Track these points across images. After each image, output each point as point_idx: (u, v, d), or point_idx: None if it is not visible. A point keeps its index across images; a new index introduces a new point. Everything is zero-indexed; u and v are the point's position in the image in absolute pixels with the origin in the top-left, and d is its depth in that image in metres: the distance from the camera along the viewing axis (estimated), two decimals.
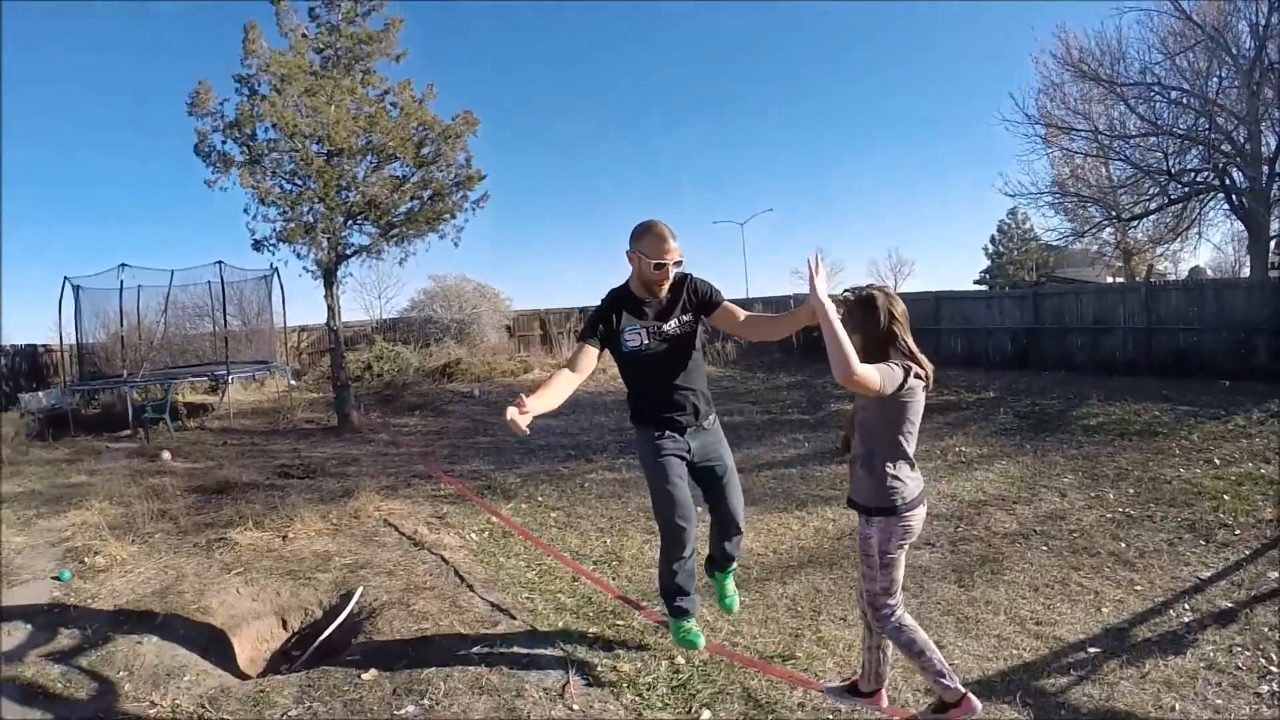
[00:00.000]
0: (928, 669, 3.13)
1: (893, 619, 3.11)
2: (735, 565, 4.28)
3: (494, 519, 6.89)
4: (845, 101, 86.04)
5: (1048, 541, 5.99)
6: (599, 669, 3.98)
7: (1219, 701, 3.70)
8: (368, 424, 13.47)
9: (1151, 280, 21.93)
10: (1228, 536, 5.91)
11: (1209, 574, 5.25)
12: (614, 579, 5.46)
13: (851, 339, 2.87)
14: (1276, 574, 5.17)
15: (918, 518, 3.06)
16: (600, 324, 3.61)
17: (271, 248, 12.68)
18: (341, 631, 4.61)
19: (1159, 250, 24.81)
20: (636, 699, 3.73)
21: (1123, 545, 5.84)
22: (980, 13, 70.94)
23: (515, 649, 4.08)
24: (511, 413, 3.07)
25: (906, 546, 3.10)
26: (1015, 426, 10.41)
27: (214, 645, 4.48)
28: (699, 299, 3.68)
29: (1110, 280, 29.55)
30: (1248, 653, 4.14)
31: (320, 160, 12.10)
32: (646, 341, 3.58)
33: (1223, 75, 16.77)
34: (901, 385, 2.89)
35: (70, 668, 4.13)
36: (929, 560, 5.67)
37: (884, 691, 3.37)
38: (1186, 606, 4.76)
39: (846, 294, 3.09)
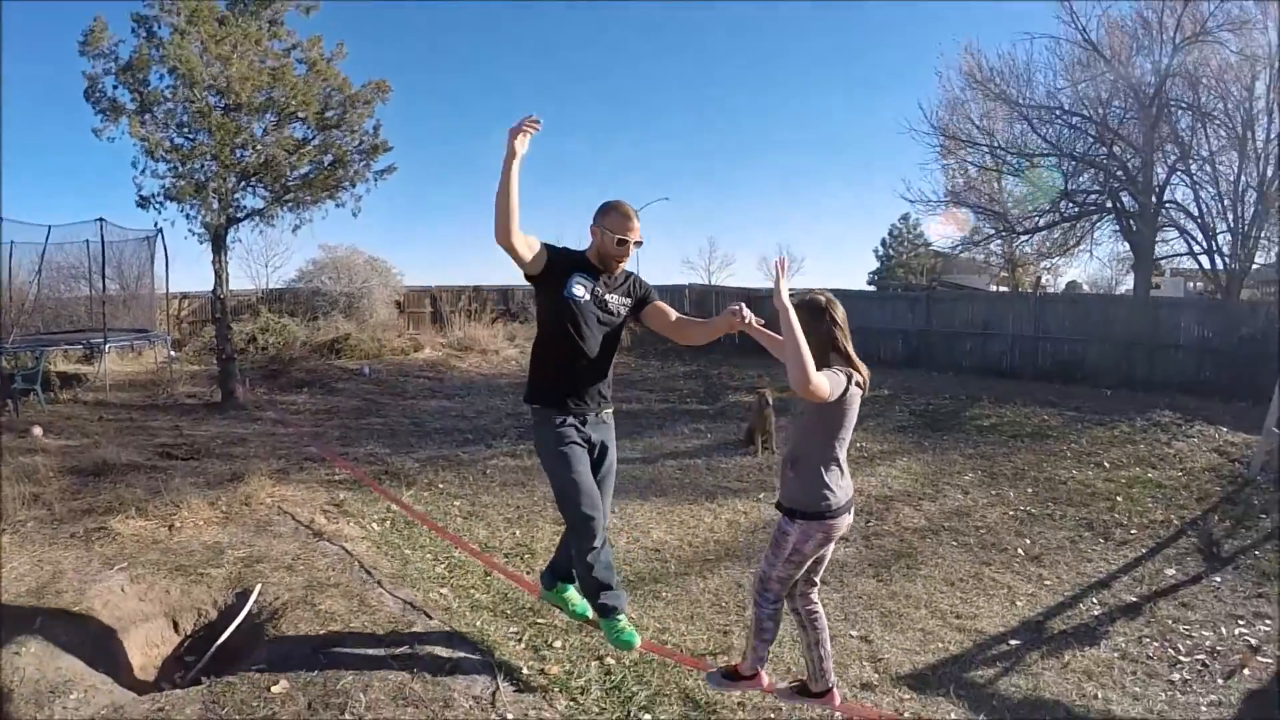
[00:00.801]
0: (756, 651, 3.30)
1: (773, 605, 3.19)
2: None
3: (394, 507, 6.55)
4: (745, 94, 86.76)
5: (957, 537, 6.22)
6: (526, 673, 3.78)
7: (1137, 689, 3.93)
8: (253, 400, 12.69)
9: (1040, 291, 22.90)
10: (1124, 535, 6.30)
11: (1111, 570, 5.58)
12: (529, 573, 5.25)
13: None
14: (1173, 571, 5.56)
15: (843, 524, 3.07)
16: (557, 254, 3.56)
17: (158, 206, 11.77)
18: (240, 634, 4.21)
19: (1043, 263, 25.84)
20: (571, 704, 3.55)
21: (1028, 542, 6.12)
22: (892, 20, 72.98)
23: (435, 652, 3.79)
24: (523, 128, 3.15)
25: (822, 552, 3.14)
26: (912, 424, 10.70)
27: (101, 652, 3.98)
28: (640, 293, 3.73)
29: (995, 288, 30.67)
30: (1156, 643, 4.44)
31: (218, 114, 11.30)
32: (588, 298, 3.53)
33: (1122, 105, 17.54)
34: (845, 391, 2.91)
35: None
36: (845, 555, 5.77)
37: (835, 691, 3.38)
38: (1095, 600, 5.07)
39: (790, 299, 2.98)
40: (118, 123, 11.26)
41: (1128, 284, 35.70)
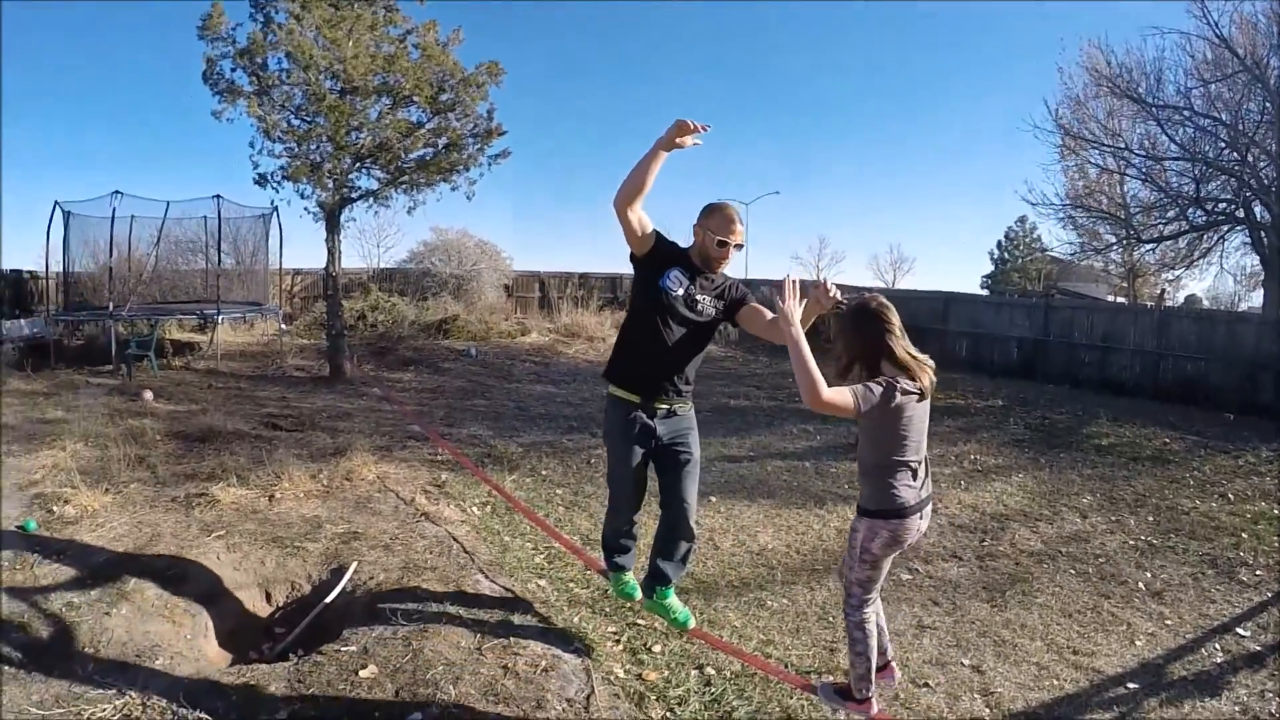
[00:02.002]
0: (857, 667, 3.18)
1: (861, 612, 3.14)
2: (675, 584, 4.04)
3: (496, 492, 6.49)
4: (859, 92, 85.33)
5: (1074, 565, 5.84)
6: (623, 676, 3.63)
7: None
8: (361, 376, 12.94)
9: (1164, 305, 21.80)
10: (1249, 576, 5.84)
11: (1235, 613, 5.18)
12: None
13: (841, 348, 3.03)
14: None
15: (911, 528, 3.02)
16: (661, 244, 3.65)
17: (275, 185, 12.12)
18: (332, 612, 4.18)
19: (1165, 275, 24.63)
20: (668, 715, 3.39)
21: (1148, 575, 5.72)
22: (1006, 16, 70.64)
23: (531, 647, 3.66)
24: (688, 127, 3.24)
25: (894, 554, 3.11)
26: (1027, 439, 10.18)
27: (192, 618, 4.02)
28: (736, 296, 3.76)
29: (1112, 298, 29.38)
30: (1278, 700, 4.07)
31: (333, 96, 11.50)
32: (681, 294, 3.59)
33: (1257, 109, 16.49)
34: (884, 403, 2.84)
35: (29, 638, 3.65)
36: (958, 574, 5.51)
37: (873, 699, 3.29)
38: (1217, 646, 4.71)
39: (842, 303, 3.05)
40: (235, 104, 11.59)
41: (1250, 301, 33.96)
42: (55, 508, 5.37)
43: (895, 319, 2.97)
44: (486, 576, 4.54)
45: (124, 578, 4.20)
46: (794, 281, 3.00)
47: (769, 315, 3.61)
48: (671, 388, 3.65)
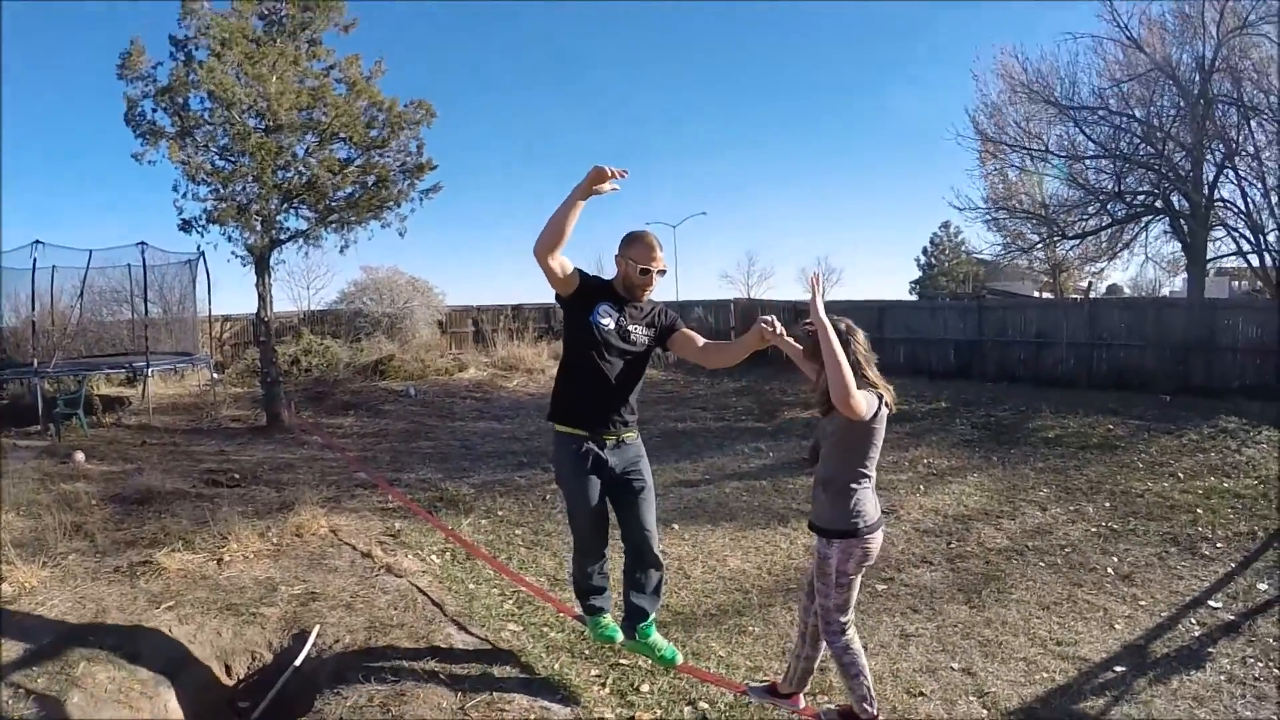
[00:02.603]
0: (855, 690, 3.21)
1: (843, 637, 3.19)
2: (654, 616, 3.95)
3: (455, 541, 6.27)
4: (779, 108, 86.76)
5: (1043, 557, 5.96)
6: None
7: (1248, 714, 3.78)
8: (299, 424, 12.51)
9: (1092, 297, 22.44)
10: (1211, 550, 6.05)
11: (1204, 587, 5.37)
12: None
13: (812, 366, 3.16)
14: (1265, 585, 5.34)
15: (876, 541, 3.14)
16: (587, 280, 3.64)
17: (201, 229, 11.67)
18: (298, 681, 3.94)
19: (1088, 268, 25.35)
20: None
21: (1115, 560, 5.87)
22: (929, 21, 72.53)
23: (515, 701, 3.49)
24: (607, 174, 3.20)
25: (864, 569, 3.20)
26: (976, 438, 10.35)
27: (148, 699, 3.73)
28: (665, 323, 3.79)
29: (1039, 294, 30.14)
30: (1260, 664, 4.25)
31: (258, 135, 11.17)
32: (613, 327, 3.60)
33: (1170, 103, 17.17)
34: (876, 411, 3.02)
35: None
36: (931, 580, 5.54)
37: (800, 695, 3.50)
38: (1193, 620, 4.83)
39: (808, 325, 3.10)
40: (157, 146, 11.18)
41: (1172, 286, 35.18)
42: None
43: (863, 339, 3.13)
44: (457, 629, 4.35)
45: (72, 661, 3.88)
46: (816, 277, 3.12)
47: (700, 341, 3.74)
48: (618, 418, 3.66)
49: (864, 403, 2.91)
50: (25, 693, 3.63)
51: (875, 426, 3.05)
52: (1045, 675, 4.14)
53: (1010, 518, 6.92)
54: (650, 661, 4.00)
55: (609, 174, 3.23)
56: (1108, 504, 7.24)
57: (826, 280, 59.65)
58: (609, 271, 3.80)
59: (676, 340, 3.77)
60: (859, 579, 3.19)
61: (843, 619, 3.17)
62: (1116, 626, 4.72)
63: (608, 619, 3.98)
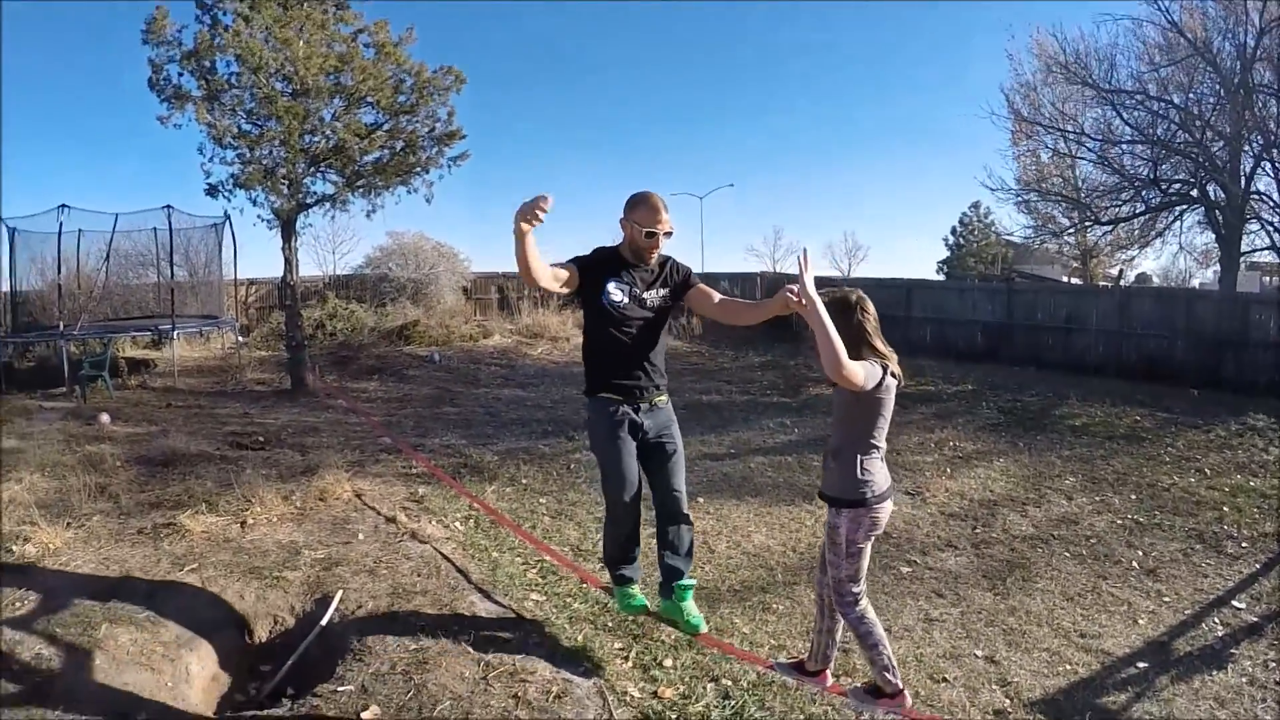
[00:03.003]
0: (876, 661, 3.22)
1: (857, 607, 3.21)
2: (690, 580, 3.96)
3: (480, 507, 6.26)
4: (809, 82, 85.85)
5: (1069, 547, 5.89)
6: (638, 695, 3.47)
7: (1268, 718, 3.75)
8: (324, 388, 12.57)
9: (1125, 284, 22.15)
10: (1236, 548, 5.96)
11: (1228, 586, 5.30)
12: None
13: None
14: None
15: (885, 510, 3.17)
16: (591, 263, 3.68)
17: (227, 193, 11.72)
18: (320, 646, 3.93)
19: (1119, 255, 25.00)
20: None
21: (1140, 554, 5.79)
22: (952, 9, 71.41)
23: (539, 671, 3.46)
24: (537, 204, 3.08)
25: (873, 539, 3.22)
26: (1002, 422, 10.21)
27: (171, 661, 3.74)
28: (679, 279, 3.83)
29: (1067, 279, 29.73)
30: None
31: (285, 99, 11.15)
32: (626, 300, 3.65)
33: (1210, 91, 16.77)
34: (880, 381, 3.03)
35: None
36: (956, 564, 5.50)
37: (828, 671, 3.49)
38: (1216, 620, 4.77)
39: (821, 296, 3.06)
40: (183, 110, 11.16)
41: (1202, 278, 34.68)
42: (14, 547, 4.99)
43: (872, 310, 3.14)
44: (481, 597, 4.33)
45: (94, 623, 3.89)
46: (805, 253, 3.08)
47: (717, 297, 3.81)
48: (649, 382, 3.72)
49: (861, 372, 2.93)
50: (47, 654, 3.65)
51: (881, 397, 3.07)
52: (1068, 667, 4.11)
53: (1036, 505, 6.84)
54: (674, 636, 4.00)
55: (534, 212, 3.09)
56: (1134, 496, 7.14)
57: (854, 257, 59.44)
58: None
59: (693, 296, 3.82)
60: (869, 547, 3.21)
61: (855, 589, 3.19)
62: (1140, 621, 4.67)
63: (636, 589, 4.00)
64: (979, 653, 4.21)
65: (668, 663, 3.83)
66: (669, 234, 3.67)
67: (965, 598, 4.91)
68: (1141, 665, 4.16)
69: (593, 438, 3.83)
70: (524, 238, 3.13)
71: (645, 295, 3.69)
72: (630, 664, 3.81)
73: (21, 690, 3.40)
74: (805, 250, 3.12)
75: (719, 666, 3.76)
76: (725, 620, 4.43)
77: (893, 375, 3.08)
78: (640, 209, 3.63)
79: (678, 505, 3.83)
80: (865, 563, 3.21)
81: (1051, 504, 6.90)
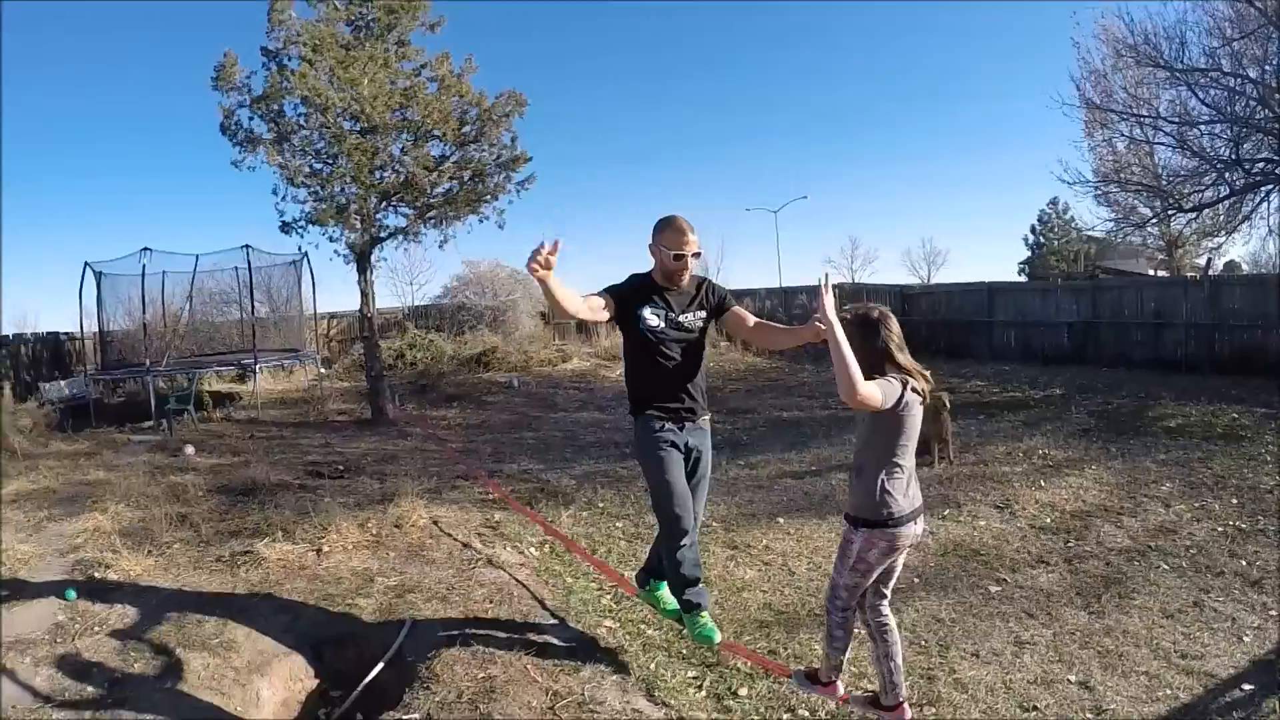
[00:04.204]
0: (831, 657, 3.35)
1: (844, 612, 3.25)
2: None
3: (552, 535, 6.24)
4: (878, 89, 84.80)
5: (1167, 559, 5.55)
6: None
7: None
8: (403, 417, 12.83)
9: (1213, 274, 21.23)
10: None
11: None
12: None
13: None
14: None
15: (907, 534, 3.12)
16: (623, 292, 3.75)
17: (301, 230, 12.06)
18: (390, 673, 3.94)
19: (1205, 243, 24.00)
20: None
21: (1243, 564, 5.43)
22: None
23: (608, 702, 3.40)
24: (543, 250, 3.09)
25: (888, 562, 3.19)
26: (1093, 427, 9.83)
27: (239, 689, 3.81)
28: (715, 301, 3.89)
29: (1153, 272, 28.67)
30: None
31: (354, 136, 11.42)
32: (663, 325, 3.73)
33: None
34: (900, 400, 3.01)
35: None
36: (1048, 581, 5.21)
37: (906, 706, 3.38)
38: None
39: (845, 313, 3.15)
40: (256, 153, 11.53)
41: None
42: (97, 573, 5.19)
43: (895, 327, 3.14)
44: (552, 624, 4.30)
45: (169, 648, 4.02)
46: (826, 276, 3.13)
47: (752, 321, 3.90)
48: (693, 403, 3.81)
49: (879, 393, 2.94)
50: (122, 676, 3.74)
51: (902, 415, 3.05)
52: (1168, 692, 3.84)
53: (1132, 515, 6.50)
54: (750, 665, 3.91)
55: (541, 256, 3.09)
56: (1234, 500, 6.75)
57: (932, 263, 58.25)
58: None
59: (729, 319, 3.90)
60: (879, 571, 3.19)
61: (850, 599, 3.24)
62: (1245, 639, 4.36)
63: (706, 616, 3.95)
64: (1072, 678, 3.97)
65: (742, 692, 3.73)
66: (697, 255, 3.72)
67: (1058, 617, 4.66)
68: (1247, 687, 3.88)
69: (642, 454, 3.87)
70: (545, 284, 3.18)
71: (681, 318, 3.76)
72: (704, 694, 3.71)
73: (97, 713, 3.49)
74: (826, 274, 3.17)
75: (795, 696, 3.63)
76: (804, 646, 4.27)
77: (914, 392, 3.06)
78: (666, 232, 3.70)
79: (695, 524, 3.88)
80: (868, 582, 3.22)
81: (1148, 513, 6.55)
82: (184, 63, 64.63)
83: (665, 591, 4.16)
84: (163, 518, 6.35)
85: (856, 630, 3.42)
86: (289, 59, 11.48)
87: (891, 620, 3.33)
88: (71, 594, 4.81)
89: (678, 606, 4.05)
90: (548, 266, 3.09)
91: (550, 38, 77.94)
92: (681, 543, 3.77)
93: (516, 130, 12.68)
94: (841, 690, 3.46)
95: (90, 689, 3.71)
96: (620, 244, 78.44)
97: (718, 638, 3.90)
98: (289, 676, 4.11)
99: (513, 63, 70.80)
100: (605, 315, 3.69)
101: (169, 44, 63.04)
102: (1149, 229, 23.10)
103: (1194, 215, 19.09)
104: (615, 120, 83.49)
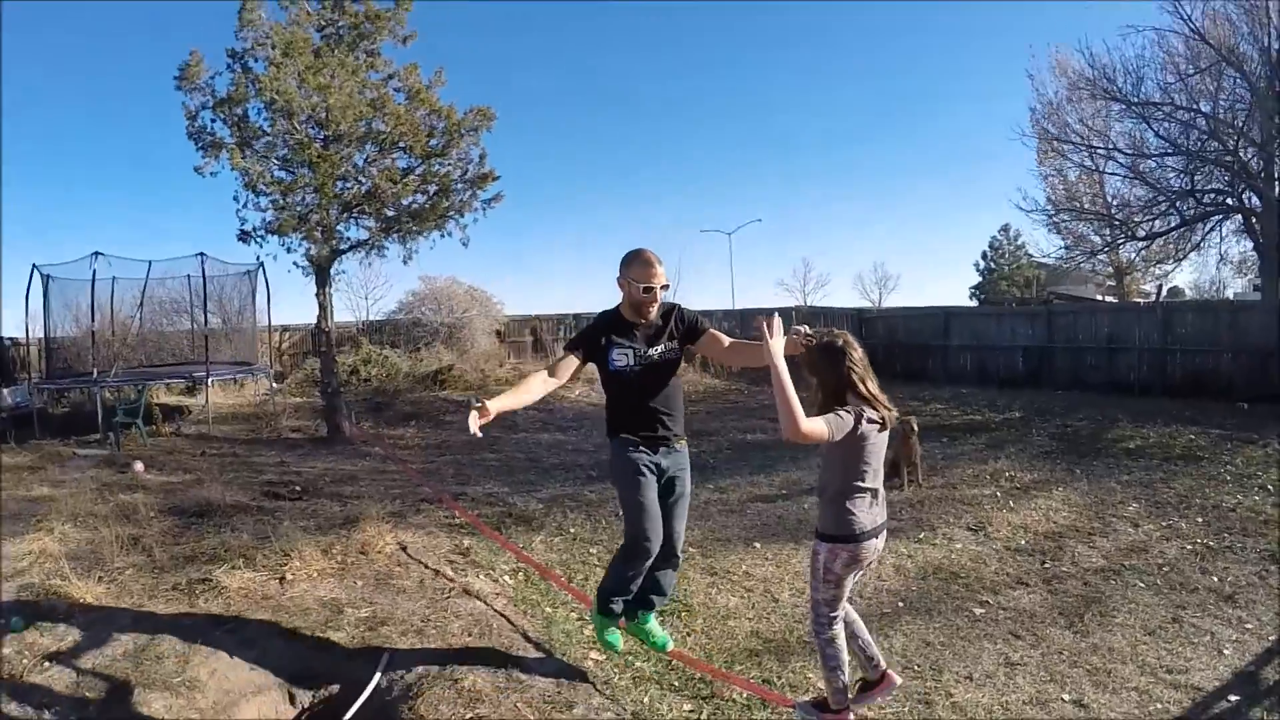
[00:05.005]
0: (832, 683, 3.34)
1: (829, 631, 3.30)
2: (656, 609, 4.26)
3: (527, 563, 6.04)
4: (834, 114, 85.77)
5: (1141, 577, 5.69)
6: None
7: None
8: (360, 435, 12.51)
9: (1165, 300, 21.80)
10: None
11: None
12: (687, 636, 4.66)
13: (810, 382, 3.25)
14: None
15: (869, 548, 3.22)
16: (589, 340, 3.85)
17: (260, 240, 11.77)
18: (367, 711, 3.72)
19: (1154, 270, 24.74)
20: None
21: (1215, 580, 5.62)
22: (977, 24, 71.38)
23: None
24: (473, 420, 3.27)
25: (855, 574, 3.31)
26: (1055, 449, 10.00)
27: None
28: (685, 327, 3.92)
29: (1101, 298, 29.38)
30: None
31: (317, 146, 11.18)
32: (631, 363, 3.78)
33: (1237, 97, 16.63)
34: (853, 430, 3.06)
35: None
36: (1030, 602, 5.27)
37: (891, 671, 3.55)
38: None
39: (809, 338, 3.27)
40: (218, 158, 11.23)
41: (1235, 288, 34.09)
42: (44, 602, 4.84)
43: (859, 355, 3.19)
44: (536, 658, 4.12)
45: (127, 688, 3.73)
46: (776, 320, 3.19)
47: (726, 341, 3.94)
48: (666, 431, 3.85)
49: (825, 427, 2.99)
50: None
51: (862, 443, 3.11)
52: (1159, 706, 3.90)
53: (1103, 535, 6.60)
54: (747, 698, 3.81)
55: (475, 424, 3.31)
56: (1200, 519, 6.93)
57: (884, 286, 58.91)
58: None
59: (704, 342, 3.95)
60: (850, 582, 3.30)
61: (831, 614, 3.29)
62: (1225, 652, 4.48)
63: (615, 628, 4.16)
64: (1066, 697, 4.00)
65: None
66: (665, 287, 3.76)
67: (1044, 638, 4.69)
68: (1233, 698, 3.99)
69: (617, 476, 3.92)
70: (505, 411, 3.45)
71: (651, 351, 3.81)
72: None
73: None
74: (775, 314, 3.28)
75: None
76: (799, 675, 4.17)
77: (871, 421, 3.10)
78: (635, 265, 3.73)
79: (674, 546, 3.93)
80: (844, 593, 3.30)
81: (1118, 533, 6.67)
82: (150, 58, 62.87)
83: (654, 624, 4.19)
84: (113, 540, 5.96)
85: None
86: (255, 60, 11.23)
87: (848, 608, 3.43)
88: (18, 624, 4.48)
89: (666, 638, 4.18)
90: (486, 415, 3.30)
91: (507, 44, 77.68)
92: (640, 567, 3.84)
93: (486, 149, 12.58)
94: (851, 718, 3.42)
95: None
96: (574, 268, 78.34)
97: (620, 646, 4.16)
98: (258, 718, 3.85)
99: (478, 78, 70.39)
100: (577, 371, 3.84)
101: (134, 38, 61.43)
102: (1099, 256, 23.69)
103: (1145, 244, 19.67)
104: (569, 139, 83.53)
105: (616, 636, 4.14)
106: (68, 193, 64.65)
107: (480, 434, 3.27)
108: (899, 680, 3.54)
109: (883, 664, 3.51)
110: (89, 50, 60.65)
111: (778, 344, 3.12)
